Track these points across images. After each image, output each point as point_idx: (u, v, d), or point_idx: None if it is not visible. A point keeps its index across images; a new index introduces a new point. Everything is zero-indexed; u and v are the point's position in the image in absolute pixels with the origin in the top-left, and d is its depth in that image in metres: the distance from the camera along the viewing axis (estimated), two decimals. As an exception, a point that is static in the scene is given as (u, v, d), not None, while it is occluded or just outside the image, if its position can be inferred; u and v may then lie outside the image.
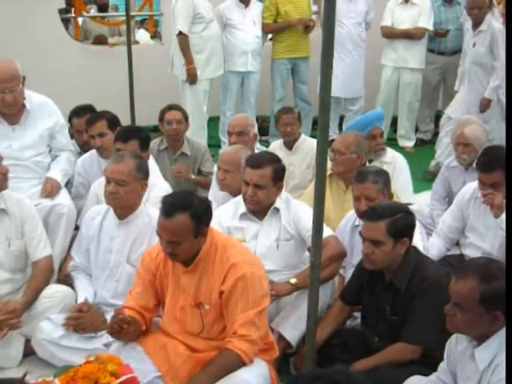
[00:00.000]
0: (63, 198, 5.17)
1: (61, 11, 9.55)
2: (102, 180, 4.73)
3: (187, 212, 3.52)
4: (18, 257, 4.46)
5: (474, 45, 7.47)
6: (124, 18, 7.87)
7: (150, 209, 4.28)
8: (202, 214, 3.59)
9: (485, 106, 7.36)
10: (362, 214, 4.17)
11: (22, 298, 4.32)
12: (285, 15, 8.51)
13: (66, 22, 9.90)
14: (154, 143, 6.23)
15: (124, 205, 4.26)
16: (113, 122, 5.39)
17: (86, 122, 5.55)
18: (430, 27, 8.54)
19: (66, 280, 4.79)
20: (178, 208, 3.53)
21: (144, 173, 4.30)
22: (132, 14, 8.77)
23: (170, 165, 6.09)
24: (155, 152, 6.10)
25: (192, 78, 7.89)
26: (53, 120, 5.35)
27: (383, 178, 4.40)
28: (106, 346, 4.05)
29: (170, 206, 3.56)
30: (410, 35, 8.45)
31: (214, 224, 4.36)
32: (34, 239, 4.47)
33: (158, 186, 4.82)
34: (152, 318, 3.93)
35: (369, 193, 4.34)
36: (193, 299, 3.71)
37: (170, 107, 6.32)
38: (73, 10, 10.45)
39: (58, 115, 5.43)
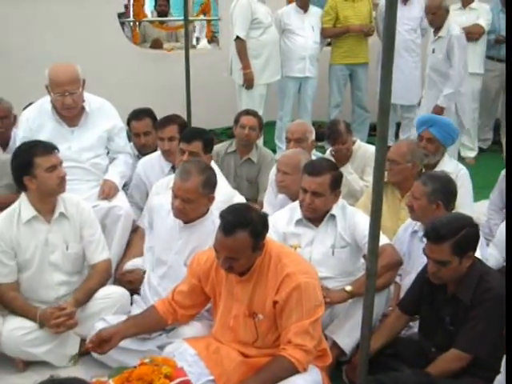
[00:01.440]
0: (120, 200, 5.22)
1: (120, 15, 9.67)
2: (165, 180, 4.79)
3: (247, 229, 3.53)
4: (75, 260, 4.50)
5: (434, 51, 7.49)
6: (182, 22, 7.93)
7: (216, 215, 4.28)
8: (260, 229, 3.60)
9: (437, 113, 7.23)
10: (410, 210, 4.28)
11: (73, 296, 4.39)
12: (344, 20, 8.47)
13: (123, 25, 10.01)
14: (223, 145, 6.27)
15: (191, 219, 4.25)
16: (183, 127, 5.42)
17: (157, 124, 5.58)
18: (487, 28, 8.40)
19: (122, 279, 4.84)
20: (237, 226, 3.53)
21: (211, 186, 4.25)
22: (190, 18, 8.80)
23: (235, 169, 6.10)
24: (222, 154, 6.14)
25: (248, 83, 7.90)
26: (111, 122, 5.40)
27: (435, 183, 4.34)
28: (160, 347, 4.07)
29: (229, 224, 3.55)
30: (467, 34, 8.22)
31: (270, 231, 4.39)
32: (92, 243, 4.51)
33: (222, 191, 4.82)
34: (186, 316, 4.00)
35: (414, 191, 4.34)
36: (247, 309, 3.72)
37: (248, 112, 6.34)
38: (131, 14, 10.58)
39: (117, 118, 5.48)
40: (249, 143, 6.13)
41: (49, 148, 4.31)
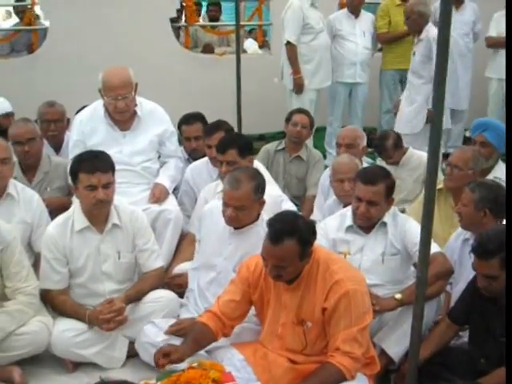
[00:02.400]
0: (171, 204, 5.25)
1: (172, 20, 9.73)
2: (212, 185, 4.80)
3: (294, 238, 3.51)
4: (126, 269, 4.52)
5: (414, 54, 7.49)
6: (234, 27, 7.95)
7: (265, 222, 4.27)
8: (307, 237, 3.58)
9: (431, 116, 7.17)
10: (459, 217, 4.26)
11: (123, 293, 4.41)
12: (395, 25, 8.43)
13: (176, 30, 10.07)
14: (272, 144, 6.31)
15: (243, 225, 4.25)
16: (230, 133, 5.40)
17: (204, 131, 5.61)
18: None
19: (171, 283, 4.86)
20: (285, 234, 3.52)
21: (261, 190, 4.24)
22: (242, 23, 8.82)
23: (284, 166, 6.13)
24: (272, 152, 6.17)
25: (298, 88, 7.90)
26: (162, 127, 5.44)
27: (483, 191, 4.26)
28: (208, 352, 4.05)
29: (277, 232, 3.54)
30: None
31: (319, 235, 4.36)
32: (146, 251, 4.52)
33: (270, 194, 4.81)
34: (232, 328, 3.94)
35: (463, 197, 4.33)
36: (295, 316, 3.70)
37: (300, 110, 6.41)
38: (183, 18, 10.63)
39: (168, 122, 5.52)
40: (299, 141, 6.17)
41: (91, 168, 4.25)
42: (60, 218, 4.49)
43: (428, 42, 7.23)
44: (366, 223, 4.30)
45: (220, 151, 4.92)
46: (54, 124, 5.93)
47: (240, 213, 4.17)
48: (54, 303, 4.43)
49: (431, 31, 7.23)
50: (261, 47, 11.34)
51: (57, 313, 4.42)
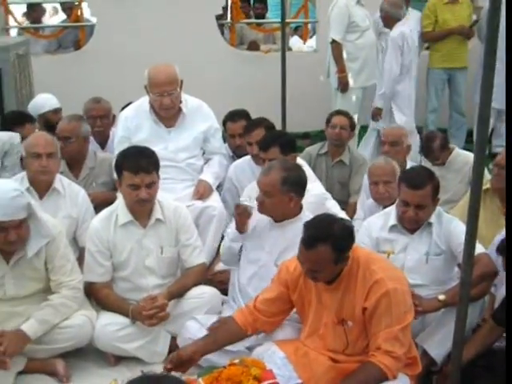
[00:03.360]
0: (214, 201, 5.27)
1: (217, 17, 9.76)
2: (255, 183, 4.77)
3: (328, 243, 3.50)
4: (169, 263, 4.55)
5: (383, 50, 7.68)
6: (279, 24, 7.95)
7: (307, 217, 4.26)
8: (343, 242, 3.56)
9: (375, 114, 7.44)
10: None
11: (166, 289, 4.43)
12: (443, 23, 8.33)
13: (221, 27, 10.10)
14: (315, 147, 6.26)
15: (272, 214, 4.25)
16: (270, 130, 5.40)
17: (244, 129, 5.61)
18: None
19: (214, 279, 4.87)
20: (318, 239, 3.51)
21: (293, 185, 4.20)
22: (287, 20, 8.81)
23: (326, 171, 6.08)
24: (314, 156, 6.13)
25: (343, 86, 7.86)
26: (207, 124, 5.46)
27: None
28: (249, 349, 4.07)
29: (310, 238, 3.54)
30: None
31: (362, 234, 4.34)
32: (188, 247, 4.55)
33: (313, 193, 4.80)
34: (268, 324, 3.97)
35: None
36: (335, 316, 3.70)
37: (339, 112, 6.35)
38: (229, 16, 10.65)
39: (213, 119, 5.53)
40: (340, 143, 6.10)
41: (135, 168, 4.28)
42: (105, 212, 4.55)
43: (387, 39, 7.50)
44: (414, 226, 4.27)
45: (262, 149, 4.92)
46: (100, 120, 5.99)
47: (266, 199, 4.19)
48: (98, 296, 4.48)
49: (394, 31, 7.46)
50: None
51: (100, 306, 4.48)
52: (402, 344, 3.54)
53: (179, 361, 3.74)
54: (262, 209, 4.24)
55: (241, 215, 4.31)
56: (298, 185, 4.25)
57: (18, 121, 5.60)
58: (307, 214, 4.26)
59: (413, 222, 4.24)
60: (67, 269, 4.28)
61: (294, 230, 4.11)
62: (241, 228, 4.36)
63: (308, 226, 3.63)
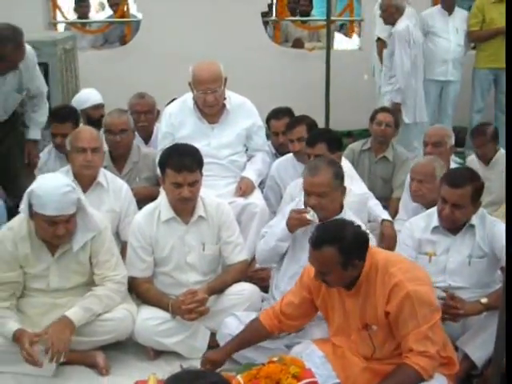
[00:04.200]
0: (256, 198, 5.27)
1: (263, 14, 9.76)
2: (299, 181, 4.79)
3: (335, 246, 3.49)
4: (211, 260, 4.56)
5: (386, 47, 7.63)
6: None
7: (350, 216, 4.24)
8: (351, 248, 3.53)
9: (396, 109, 7.32)
10: None
11: (207, 284, 4.44)
12: (490, 23, 8.22)
13: (265, 24, 10.09)
14: (358, 143, 6.24)
15: (327, 214, 4.19)
16: (312, 127, 5.39)
17: (286, 126, 5.60)
18: None
19: (254, 277, 4.88)
20: (325, 241, 3.51)
21: (341, 177, 4.22)
22: (332, 18, 8.78)
23: (370, 167, 6.05)
24: (357, 152, 6.11)
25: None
26: (251, 121, 5.47)
27: None
28: (288, 347, 4.08)
29: (318, 238, 3.55)
30: None
31: (405, 235, 4.31)
32: (230, 244, 4.55)
33: (356, 192, 4.78)
34: (293, 327, 4.01)
35: None
36: (359, 321, 3.68)
37: (384, 109, 6.37)
38: (274, 13, 10.65)
39: (256, 116, 5.54)
40: (384, 140, 6.07)
41: (179, 166, 4.28)
42: (147, 208, 4.57)
43: (393, 35, 7.44)
44: (451, 225, 4.22)
45: (309, 144, 4.91)
46: (144, 115, 6.03)
47: (323, 200, 4.15)
48: (139, 291, 4.51)
49: (398, 25, 7.44)
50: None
51: (140, 300, 4.50)
52: (433, 342, 3.50)
53: (209, 365, 3.85)
54: (319, 211, 4.18)
55: (299, 224, 4.30)
56: (343, 177, 4.25)
57: (59, 118, 5.65)
58: (349, 214, 4.25)
59: (449, 221, 4.19)
60: (112, 263, 4.33)
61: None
62: (292, 231, 4.35)
63: (320, 227, 3.67)
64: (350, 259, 3.52)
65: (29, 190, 4.06)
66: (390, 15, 7.51)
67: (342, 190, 4.24)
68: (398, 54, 7.43)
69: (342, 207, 4.27)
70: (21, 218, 4.23)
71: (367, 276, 3.61)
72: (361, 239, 3.60)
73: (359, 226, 3.71)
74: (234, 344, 3.98)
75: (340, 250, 3.49)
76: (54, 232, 4.04)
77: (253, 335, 4.00)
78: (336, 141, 5.00)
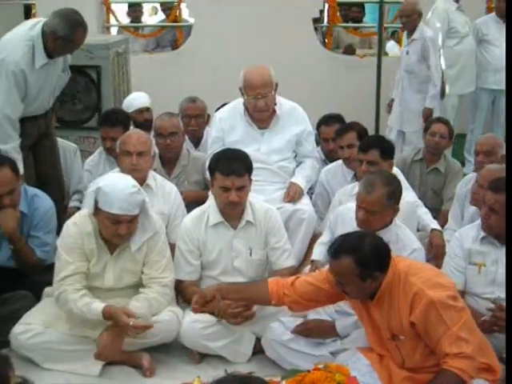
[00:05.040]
0: (305, 204, 5.25)
1: (314, 20, 9.75)
2: (347, 188, 4.78)
3: (352, 257, 3.49)
4: (258, 265, 4.57)
5: (408, 53, 7.49)
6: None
7: (399, 228, 4.23)
8: (369, 260, 3.52)
9: (427, 115, 7.27)
10: None
11: None
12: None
13: (317, 30, 10.08)
14: (410, 153, 6.18)
15: (372, 228, 4.17)
16: (362, 134, 5.37)
17: (335, 132, 5.58)
18: None
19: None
20: (343, 251, 3.53)
21: (396, 197, 4.18)
22: (385, 25, 8.73)
23: (421, 177, 5.98)
24: (409, 162, 6.04)
25: (440, 93, 7.74)
26: (301, 127, 5.45)
27: None
28: (333, 353, 4.07)
29: (336, 248, 3.57)
30: None
31: (454, 245, 4.25)
32: (277, 250, 4.55)
33: (404, 200, 4.73)
34: (297, 304, 4.00)
35: None
36: (387, 331, 3.65)
37: (439, 119, 6.26)
38: (326, 19, 10.63)
39: (306, 122, 5.52)
40: (437, 151, 5.98)
41: (227, 170, 4.31)
42: (196, 211, 4.60)
43: (424, 41, 7.36)
44: (489, 231, 4.16)
45: (362, 149, 4.89)
46: (195, 119, 6.06)
47: (371, 217, 4.13)
48: (186, 293, 4.52)
49: (425, 31, 7.39)
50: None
51: (187, 303, 4.50)
52: (467, 342, 3.45)
53: (203, 300, 4.00)
54: (364, 225, 4.17)
55: None
56: (399, 195, 4.22)
57: (109, 122, 5.68)
58: (398, 223, 4.22)
59: (486, 225, 4.15)
60: (161, 265, 4.36)
61: (387, 240, 4.01)
62: None
63: (340, 237, 3.69)
64: (368, 271, 3.52)
65: (97, 186, 4.15)
66: (413, 21, 7.48)
67: (395, 210, 4.21)
68: (432, 60, 7.40)
69: (391, 222, 4.24)
70: (82, 215, 4.33)
71: (390, 286, 3.59)
72: (380, 251, 3.59)
73: (380, 238, 3.70)
74: (231, 288, 4.09)
75: (357, 261, 3.49)
76: (116, 231, 4.11)
77: (251, 290, 4.11)
78: (389, 149, 4.97)
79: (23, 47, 4.98)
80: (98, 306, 4.10)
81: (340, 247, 3.57)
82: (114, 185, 4.12)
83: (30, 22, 5.30)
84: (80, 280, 4.22)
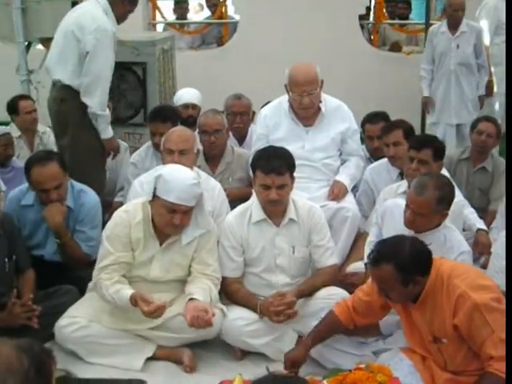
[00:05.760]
0: (349, 202, 5.22)
1: (360, 17, 9.70)
2: (393, 186, 4.75)
3: (391, 263, 3.47)
4: (301, 263, 4.55)
5: (458, 46, 7.49)
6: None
7: (448, 230, 4.18)
8: (409, 265, 3.49)
9: (483, 101, 7.40)
10: None
11: (297, 287, 4.43)
12: None
13: (364, 27, 10.03)
14: (457, 151, 6.12)
15: (419, 230, 4.14)
16: (409, 132, 5.32)
17: (381, 130, 5.55)
18: None
19: (344, 281, 4.85)
20: (381, 258, 3.51)
21: (446, 203, 4.12)
22: (431, 22, 8.63)
23: (467, 177, 5.92)
24: (455, 161, 5.98)
25: (488, 91, 7.65)
26: (346, 125, 5.42)
27: None
28: (375, 353, 4.05)
29: (376, 255, 3.55)
30: None
31: (500, 245, 4.20)
32: (320, 248, 4.53)
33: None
34: (363, 323, 4.01)
35: None
36: (429, 334, 3.62)
37: (487, 118, 6.17)
38: (372, 16, 10.58)
39: (351, 120, 5.49)
40: (484, 150, 5.91)
41: (267, 168, 4.31)
42: (239, 208, 4.61)
43: (478, 32, 7.49)
44: None
45: (415, 147, 4.82)
46: (240, 117, 6.06)
47: (418, 218, 4.09)
48: (228, 290, 4.52)
49: (471, 23, 7.51)
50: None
51: (229, 300, 4.52)
52: None
53: (291, 364, 3.91)
54: (410, 225, 4.15)
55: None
56: (450, 202, 4.16)
57: (159, 118, 5.72)
58: (448, 225, 4.18)
59: None
60: (209, 263, 4.38)
61: (435, 241, 4.02)
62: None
63: (379, 243, 3.68)
64: (409, 276, 3.49)
65: (157, 174, 4.20)
66: (460, 17, 7.47)
67: (444, 215, 4.16)
68: (483, 49, 7.49)
69: (439, 224, 4.19)
70: (136, 204, 4.37)
71: (433, 288, 3.56)
72: (420, 255, 3.56)
73: (420, 242, 3.66)
74: (311, 339, 4.02)
75: (397, 267, 3.47)
76: (170, 220, 4.14)
77: (329, 328, 4.04)
78: (441, 149, 4.89)
79: (103, 15, 5.39)
80: (127, 292, 4.14)
81: (379, 254, 3.55)
82: (175, 174, 4.17)
83: None
84: (118, 269, 4.26)
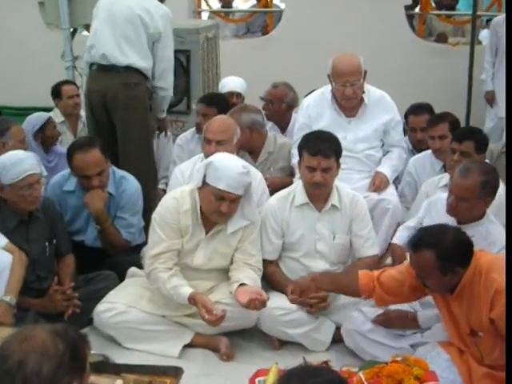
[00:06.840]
0: (390, 194, 5.20)
1: (407, 7, 9.59)
2: (435, 179, 4.71)
3: (433, 250, 3.44)
4: (341, 250, 4.55)
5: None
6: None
7: (492, 224, 4.14)
8: (450, 254, 3.45)
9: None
10: None
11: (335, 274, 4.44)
12: None
13: (410, 17, 9.93)
14: (498, 144, 6.04)
15: (463, 219, 4.11)
16: (455, 125, 5.27)
17: (426, 122, 5.50)
18: None
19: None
20: (423, 244, 3.48)
21: (490, 190, 4.07)
22: (479, 13, 8.52)
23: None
24: (496, 153, 5.90)
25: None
26: (389, 116, 5.40)
27: None
28: (413, 346, 4.02)
29: (417, 241, 3.52)
30: None
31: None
32: (361, 237, 4.53)
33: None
34: (383, 300, 3.99)
35: None
36: (466, 327, 3.59)
37: None
38: (418, 6, 10.46)
39: (394, 111, 5.46)
40: None
41: (314, 150, 4.33)
42: (283, 191, 4.64)
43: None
44: None
45: (457, 139, 4.79)
46: (272, 104, 6.12)
47: (461, 204, 4.05)
48: (265, 272, 4.52)
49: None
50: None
51: (264, 283, 4.51)
52: None
53: (299, 290, 4.09)
54: (453, 211, 4.11)
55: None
56: (495, 189, 4.12)
57: (206, 100, 5.87)
58: (492, 219, 4.12)
59: None
60: (252, 254, 4.39)
61: (477, 234, 3.96)
62: None
63: (421, 229, 3.65)
64: (449, 265, 3.46)
65: (208, 160, 4.24)
66: None
67: (487, 202, 4.10)
68: None
69: (483, 215, 4.14)
70: (183, 191, 4.39)
71: (471, 281, 3.52)
72: (462, 246, 3.53)
73: (463, 233, 3.62)
74: (325, 279, 4.14)
75: (438, 255, 3.44)
76: (218, 207, 4.16)
77: (343, 281, 4.13)
78: (484, 142, 4.86)
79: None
80: (186, 291, 4.15)
81: (421, 240, 3.52)
82: (225, 161, 4.19)
83: None
84: (172, 257, 4.28)
